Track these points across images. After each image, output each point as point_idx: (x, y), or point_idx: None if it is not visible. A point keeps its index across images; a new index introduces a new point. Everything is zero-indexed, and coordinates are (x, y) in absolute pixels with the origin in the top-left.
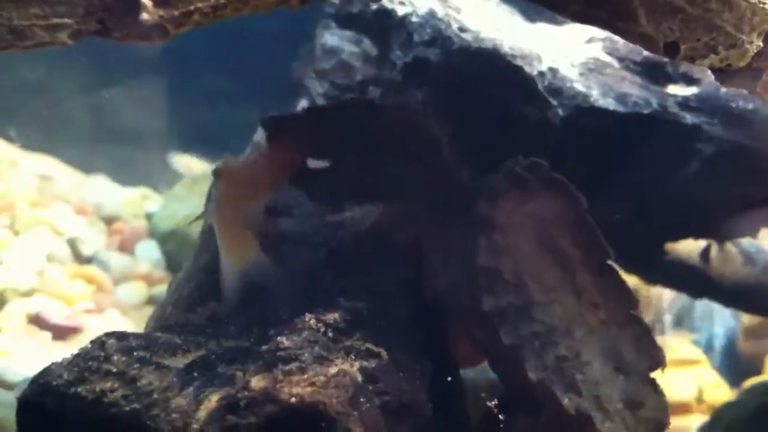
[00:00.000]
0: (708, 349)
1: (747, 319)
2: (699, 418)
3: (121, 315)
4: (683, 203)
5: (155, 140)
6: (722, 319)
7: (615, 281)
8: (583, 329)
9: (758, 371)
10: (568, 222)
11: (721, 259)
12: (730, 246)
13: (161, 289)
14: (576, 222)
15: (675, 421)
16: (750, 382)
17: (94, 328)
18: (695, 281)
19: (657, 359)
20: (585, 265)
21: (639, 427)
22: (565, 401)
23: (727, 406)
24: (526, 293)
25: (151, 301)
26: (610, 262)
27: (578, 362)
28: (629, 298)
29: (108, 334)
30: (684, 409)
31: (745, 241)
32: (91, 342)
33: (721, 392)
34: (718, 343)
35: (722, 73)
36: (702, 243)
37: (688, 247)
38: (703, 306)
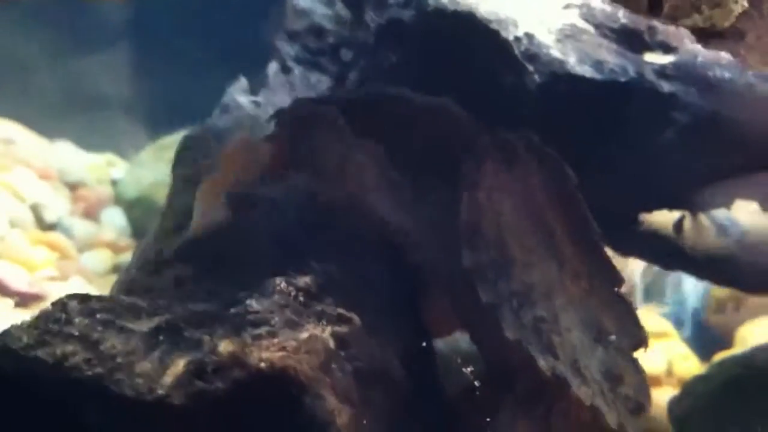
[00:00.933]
0: (678, 322)
1: (717, 291)
2: (669, 391)
3: (85, 283)
4: (658, 173)
5: (121, 106)
6: (693, 292)
7: (600, 258)
8: (563, 297)
9: (728, 344)
10: (556, 195)
11: (695, 230)
12: (703, 218)
13: (127, 257)
14: (564, 197)
15: None
16: (720, 355)
17: (57, 295)
18: (668, 252)
19: (639, 338)
20: (570, 239)
21: (617, 402)
22: (541, 362)
23: (697, 379)
24: (507, 252)
25: (116, 269)
26: (596, 239)
27: (557, 326)
28: (614, 275)
29: (70, 296)
30: (654, 382)
31: (719, 213)
32: (52, 304)
33: (690, 365)
34: (688, 316)
35: (706, 35)
36: (675, 214)
37: (662, 218)
38: (674, 278)
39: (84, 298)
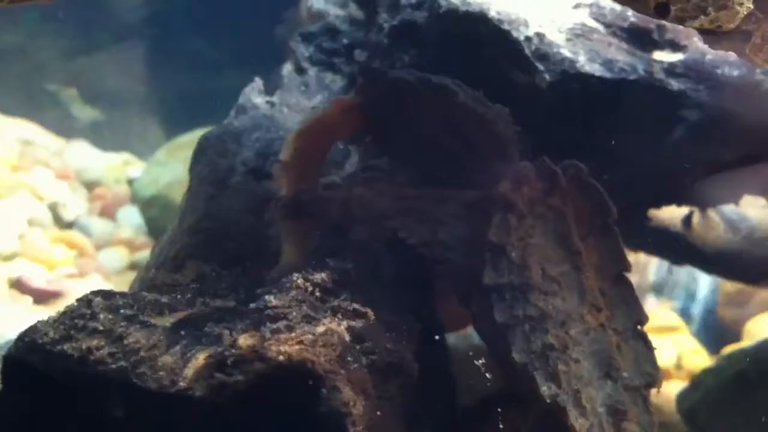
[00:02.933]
0: (687, 315)
1: (727, 285)
2: (678, 385)
3: (103, 280)
4: (668, 169)
5: (136, 106)
6: (702, 287)
7: (627, 293)
8: (579, 327)
9: (737, 338)
10: (592, 226)
11: (704, 226)
12: (712, 213)
13: (143, 255)
14: (600, 228)
15: None
16: (729, 348)
17: (76, 292)
18: (677, 248)
19: (653, 378)
20: (599, 272)
21: None
22: (543, 389)
23: (706, 373)
24: (528, 277)
25: (133, 266)
26: (627, 275)
27: (565, 355)
28: (639, 312)
29: (94, 293)
30: (664, 375)
31: (728, 209)
32: (78, 300)
33: (700, 359)
34: (698, 309)
35: (712, 36)
36: (685, 210)
37: (671, 214)
38: (684, 273)
39: (108, 295)
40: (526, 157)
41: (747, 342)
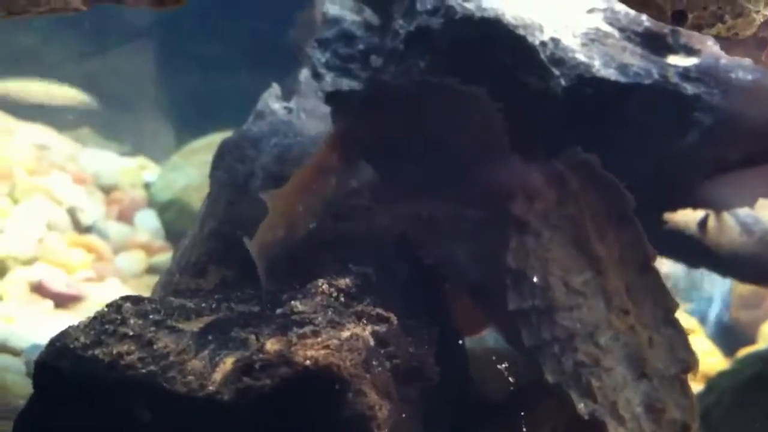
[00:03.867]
0: (702, 318)
1: (741, 288)
2: (693, 387)
3: (121, 284)
4: (682, 173)
5: (148, 108)
6: (717, 289)
7: (654, 282)
8: (608, 334)
9: (752, 340)
10: (610, 222)
11: (718, 229)
12: (727, 216)
13: (161, 259)
14: (620, 220)
15: None
16: (744, 351)
17: (94, 296)
18: (692, 251)
19: (688, 363)
20: (623, 264)
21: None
22: (580, 406)
23: (721, 375)
24: (552, 297)
25: (150, 270)
26: (651, 261)
27: (598, 369)
28: (669, 300)
29: (124, 298)
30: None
31: (743, 212)
32: (107, 305)
33: (715, 361)
34: (713, 312)
35: (728, 42)
36: (700, 213)
37: (686, 217)
38: (698, 275)
39: (137, 300)
40: (537, 160)
41: (762, 344)
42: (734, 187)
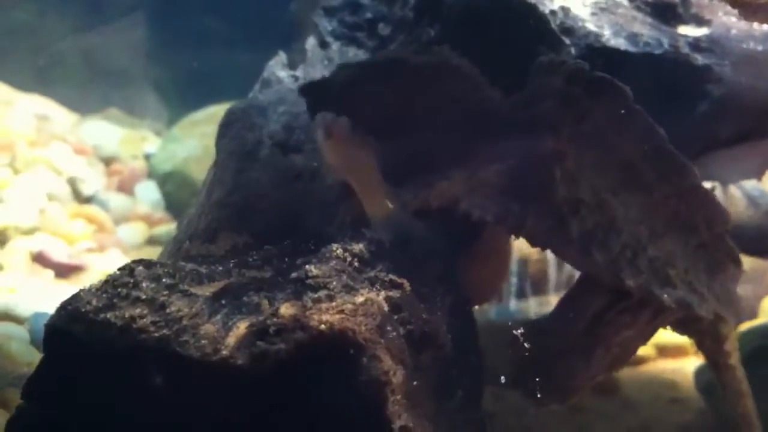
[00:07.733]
0: None
1: (745, 262)
2: (695, 361)
3: (122, 254)
4: (691, 144)
5: (145, 82)
6: None
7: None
8: (660, 222)
9: (753, 314)
10: (645, 149)
11: (725, 201)
12: (733, 188)
13: (161, 230)
14: (653, 150)
15: (671, 364)
16: (746, 325)
17: (96, 267)
18: None
19: (724, 219)
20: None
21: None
22: (665, 297)
23: None
24: (608, 210)
25: (151, 241)
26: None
27: (667, 258)
28: (687, 168)
29: (136, 261)
30: (680, 351)
31: (749, 184)
32: (120, 268)
33: None
34: None
35: (747, 8)
36: (707, 185)
37: None
38: None
39: (149, 264)
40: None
41: (763, 318)
42: (742, 160)
